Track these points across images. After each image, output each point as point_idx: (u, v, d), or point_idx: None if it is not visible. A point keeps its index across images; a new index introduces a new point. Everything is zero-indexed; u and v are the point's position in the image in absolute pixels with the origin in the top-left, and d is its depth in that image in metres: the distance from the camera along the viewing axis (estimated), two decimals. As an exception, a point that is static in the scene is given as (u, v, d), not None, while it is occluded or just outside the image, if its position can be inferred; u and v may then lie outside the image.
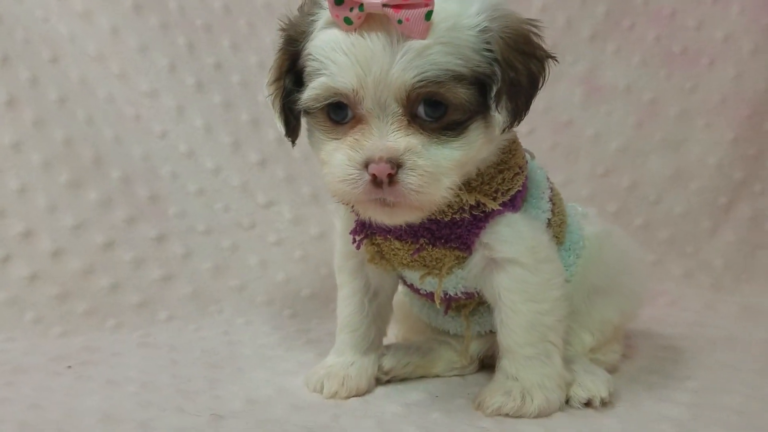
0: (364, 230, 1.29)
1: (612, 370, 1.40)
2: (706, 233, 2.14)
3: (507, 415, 1.21)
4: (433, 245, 1.26)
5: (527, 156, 1.32)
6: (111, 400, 1.29)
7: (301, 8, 1.18)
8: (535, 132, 2.16)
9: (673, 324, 1.82)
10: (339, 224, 1.37)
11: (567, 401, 1.26)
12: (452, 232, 1.24)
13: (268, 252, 1.97)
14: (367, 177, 1.07)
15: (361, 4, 1.04)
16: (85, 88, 1.90)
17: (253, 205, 2.00)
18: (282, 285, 1.94)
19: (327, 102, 1.11)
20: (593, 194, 2.15)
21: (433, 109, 1.09)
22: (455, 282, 1.32)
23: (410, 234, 1.25)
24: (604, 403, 1.26)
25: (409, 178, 1.07)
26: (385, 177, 1.06)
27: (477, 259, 1.26)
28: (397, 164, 1.06)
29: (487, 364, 1.44)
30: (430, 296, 1.36)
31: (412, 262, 1.29)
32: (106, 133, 1.89)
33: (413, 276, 1.34)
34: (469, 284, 1.31)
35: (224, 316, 1.85)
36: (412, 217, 1.15)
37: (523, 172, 1.27)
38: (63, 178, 1.81)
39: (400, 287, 1.46)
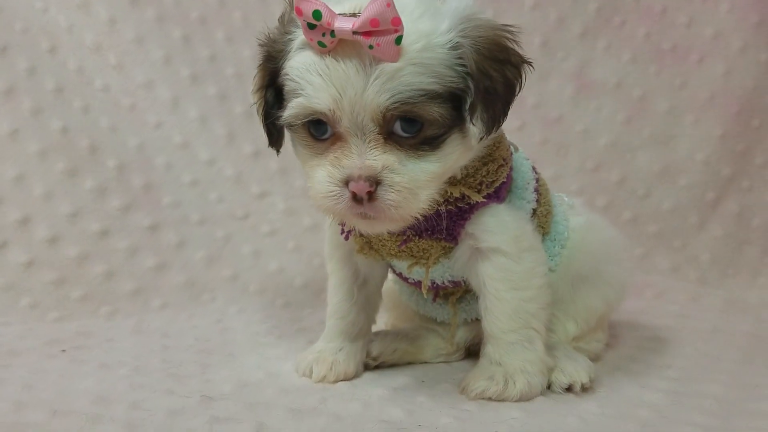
0: None
1: (595, 358, 1.44)
2: (694, 228, 2.18)
3: (490, 398, 1.24)
4: (420, 237, 1.29)
5: (512, 148, 1.35)
6: (104, 383, 1.31)
7: (280, 20, 1.20)
8: (525, 127, 2.19)
9: (659, 316, 1.85)
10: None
11: (549, 386, 1.29)
12: (438, 223, 1.26)
13: (261, 242, 2.00)
14: (348, 194, 1.11)
15: (333, 31, 1.06)
16: (82, 78, 1.93)
17: (247, 196, 2.03)
18: (275, 275, 1.97)
19: (307, 119, 1.14)
20: (582, 189, 2.17)
21: (410, 126, 1.11)
22: (442, 271, 1.35)
23: None
24: (585, 389, 1.29)
25: (387, 195, 1.10)
26: (365, 194, 1.10)
27: (463, 249, 1.29)
28: (375, 181, 1.10)
29: (474, 351, 1.46)
30: (418, 285, 1.39)
31: (399, 252, 1.32)
32: (102, 122, 1.92)
33: (401, 265, 1.37)
34: (456, 273, 1.35)
35: (217, 304, 1.88)
36: (392, 227, 1.19)
37: (507, 163, 1.30)
38: (59, 167, 1.84)
39: (390, 275, 1.49)
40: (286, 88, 1.15)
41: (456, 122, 1.13)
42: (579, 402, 1.25)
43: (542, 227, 1.38)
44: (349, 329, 1.39)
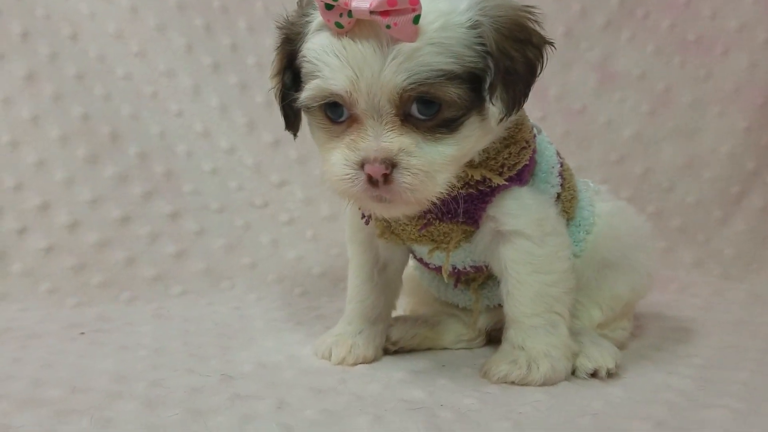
0: None
1: (620, 347, 1.40)
2: (718, 222, 2.15)
3: (513, 383, 1.22)
4: (440, 220, 1.27)
5: (534, 130, 1.33)
6: (123, 363, 1.31)
7: (299, 3, 1.19)
8: (547, 118, 2.17)
9: (683, 308, 1.82)
10: None
11: (573, 372, 1.27)
12: (459, 206, 1.25)
13: (279, 231, 2.00)
14: (364, 176, 1.09)
15: (350, 11, 1.05)
16: (103, 65, 1.94)
17: (266, 185, 2.03)
18: (293, 263, 1.97)
19: (323, 102, 1.12)
20: (606, 181, 2.12)
21: (427, 108, 1.09)
22: (463, 256, 1.33)
23: None
24: (611, 374, 1.26)
25: (403, 177, 1.09)
26: (380, 177, 1.08)
27: (484, 232, 1.28)
28: (391, 164, 1.08)
29: (495, 337, 1.45)
30: (439, 270, 1.38)
31: (420, 237, 1.30)
32: (124, 110, 1.93)
33: (422, 250, 1.35)
34: (477, 258, 1.33)
35: (236, 292, 1.88)
36: (409, 211, 1.17)
37: (530, 146, 1.28)
38: (80, 153, 1.85)
39: (411, 261, 1.48)
40: (304, 71, 1.14)
41: (475, 104, 1.11)
42: (604, 387, 1.23)
43: (567, 212, 1.36)
44: (368, 312, 1.38)
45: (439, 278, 1.46)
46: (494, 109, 1.11)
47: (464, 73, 1.08)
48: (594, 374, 1.26)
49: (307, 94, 1.12)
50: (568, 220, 1.36)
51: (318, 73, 1.10)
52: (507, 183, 1.23)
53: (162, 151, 1.95)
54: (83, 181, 1.84)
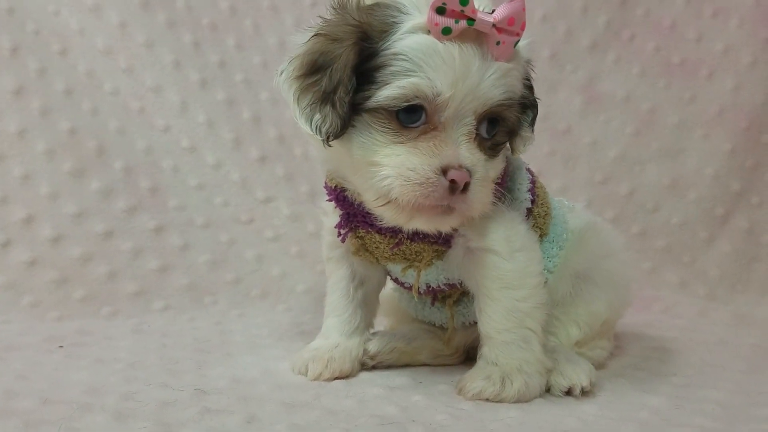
0: (348, 224, 1.32)
1: (598, 366, 1.40)
2: (703, 243, 2.15)
3: (487, 399, 1.21)
4: (412, 240, 1.28)
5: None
6: (97, 376, 1.31)
7: (373, 8, 1.14)
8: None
9: (665, 329, 1.82)
10: (327, 221, 1.40)
11: (548, 390, 1.27)
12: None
13: (264, 247, 2.00)
14: (446, 183, 1.10)
15: (471, 19, 1.08)
16: (91, 80, 1.95)
17: (252, 201, 2.04)
18: (277, 280, 1.97)
19: (408, 103, 1.10)
20: (591, 201, 2.16)
21: (491, 129, 1.16)
22: (437, 274, 1.34)
23: (390, 229, 1.27)
24: (585, 392, 1.26)
25: (479, 188, 1.13)
26: (463, 184, 1.10)
27: (456, 250, 1.29)
28: (469, 173, 1.11)
29: (473, 355, 1.43)
30: (412, 289, 1.38)
31: (392, 255, 1.31)
32: (111, 124, 1.94)
33: (396, 269, 1.36)
34: (451, 275, 1.33)
35: (219, 307, 1.88)
36: (459, 223, 1.20)
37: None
38: (66, 167, 1.85)
39: (390, 284, 1.48)
40: (390, 69, 1.10)
41: (512, 135, 1.23)
42: (579, 404, 1.22)
43: (540, 228, 1.36)
44: (345, 326, 1.38)
45: (416, 298, 1.46)
46: (532, 136, 1.25)
47: (519, 103, 1.18)
48: (568, 392, 1.25)
49: (393, 92, 1.09)
50: (541, 236, 1.37)
51: (417, 73, 1.09)
52: None
53: (148, 166, 1.95)
54: (68, 195, 1.84)
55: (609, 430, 1.11)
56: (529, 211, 1.33)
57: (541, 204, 1.37)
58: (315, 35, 1.16)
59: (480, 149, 1.15)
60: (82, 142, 1.88)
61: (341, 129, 1.13)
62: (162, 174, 1.97)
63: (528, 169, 1.38)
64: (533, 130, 1.26)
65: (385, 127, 1.13)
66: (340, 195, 1.30)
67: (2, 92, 1.84)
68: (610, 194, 2.19)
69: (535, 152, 2.13)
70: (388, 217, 1.18)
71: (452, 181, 1.09)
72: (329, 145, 1.15)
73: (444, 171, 1.09)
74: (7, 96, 1.84)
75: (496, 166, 1.22)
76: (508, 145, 1.26)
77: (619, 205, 2.18)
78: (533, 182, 1.37)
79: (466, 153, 1.12)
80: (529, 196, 1.33)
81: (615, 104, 2.21)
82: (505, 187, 1.28)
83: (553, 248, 1.38)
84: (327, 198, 1.34)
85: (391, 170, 1.11)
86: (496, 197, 1.21)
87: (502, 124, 1.17)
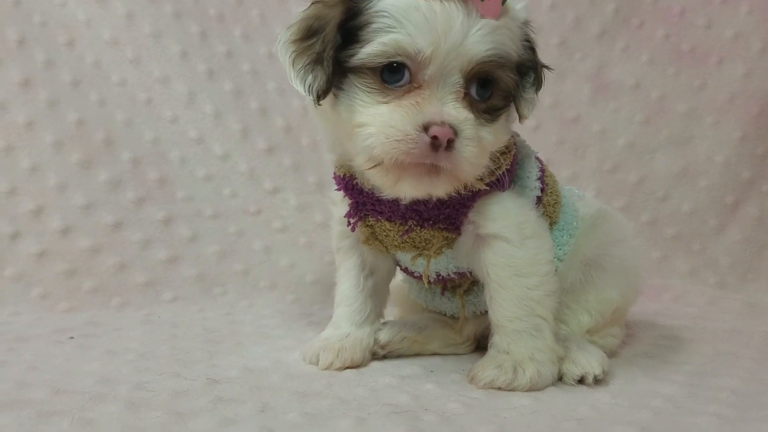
0: (357, 213, 1.32)
1: (610, 354, 1.39)
2: (713, 231, 2.14)
3: (499, 388, 1.21)
4: (422, 227, 1.27)
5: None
6: (109, 366, 1.31)
7: None
8: (542, 127, 2.18)
9: (676, 317, 1.82)
10: (336, 211, 1.39)
11: (560, 378, 1.26)
12: (440, 212, 1.25)
13: (272, 238, 2.00)
14: (427, 139, 1.07)
15: None
16: (99, 71, 1.94)
17: (260, 192, 2.03)
18: (286, 270, 1.97)
19: (388, 61, 1.10)
20: (600, 190, 2.15)
21: (483, 90, 1.14)
22: (446, 262, 1.33)
23: (399, 215, 1.27)
24: (598, 381, 1.25)
25: (466, 147, 1.09)
26: (446, 141, 1.07)
27: (466, 237, 1.28)
28: (455, 131, 1.08)
29: (484, 344, 1.43)
30: (422, 278, 1.37)
31: (402, 243, 1.31)
32: (118, 116, 1.93)
33: (405, 258, 1.35)
34: (460, 263, 1.33)
35: (228, 298, 1.88)
36: (449, 188, 1.15)
37: (510, 151, 1.28)
38: (74, 159, 1.85)
39: (400, 274, 1.48)
40: (373, 26, 1.10)
41: (510, 100, 1.19)
42: (591, 392, 1.22)
43: (550, 216, 1.36)
44: (355, 315, 1.38)
45: (426, 289, 1.46)
46: (535, 98, 1.22)
47: (516, 64, 1.16)
48: (581, 380, 1.25)
49: (374, 49, 1.09)
50: (551, 224, 1.36)
51: (398, 29, 1.08)
52: (488, 188, 1.23)
53: (156, 157, 1.95)
54: (76, 186, 1.84)
55: (623, 417, 1.10)
56: (539, 199, 1.32)
57: (551, 192, 1.36)
58: (313, 2, 1.17)
59: (472, 111, 1.12)
60: (89, 134, 1.88)
61: (326, 84, 1.14)
62: (170, 165, 1.96)
63: (537, 158, 1.37)
64: (537, 92, 1.23)
65: (369, 87, 1.13)
66: (349, 183, 1.29)
67: (10, 84, 1.83)
68: (619, 183, 2.17)
69: (544, 141, 2.14)
70: (377, 181, 1.17)
71: (434, 138, 1.07)
72: (319, 104, 1.16)
73: (426, 128, 1.07)
74: (14, 88, 1.84)
75: (496, 133, 1.17)
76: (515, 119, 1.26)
77: (629, 193, 2.17)
78: (542, 171, 1.36)
79: (451, 111, 1.09)
80: (538, 184, 1.32)
81: (624, 92, 2.19)
82: (515, 174, 1.27)
83: (563, 236, 1.37)
84: (336, 188, 1.34)
85: (374, 129, 1.11)
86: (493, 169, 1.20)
87: (497, 86, 1.14)
